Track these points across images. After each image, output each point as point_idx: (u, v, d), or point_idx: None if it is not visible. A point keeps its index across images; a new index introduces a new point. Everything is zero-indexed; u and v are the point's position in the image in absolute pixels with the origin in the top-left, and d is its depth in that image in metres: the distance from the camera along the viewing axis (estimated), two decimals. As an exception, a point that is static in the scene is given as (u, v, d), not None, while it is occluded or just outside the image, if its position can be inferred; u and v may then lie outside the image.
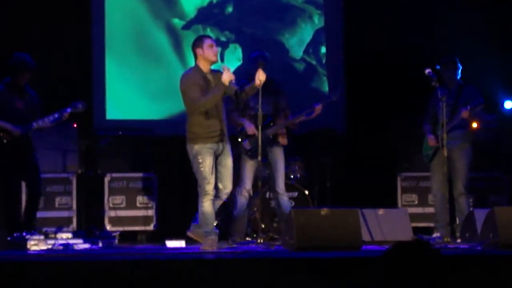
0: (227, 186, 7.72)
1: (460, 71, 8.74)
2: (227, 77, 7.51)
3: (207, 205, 7.60)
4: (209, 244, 7.57)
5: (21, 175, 8.26)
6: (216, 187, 7.66)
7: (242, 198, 8.51)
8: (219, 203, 7.79)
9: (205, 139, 7.59)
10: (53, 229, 8.22)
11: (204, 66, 7.69)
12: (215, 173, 7.67)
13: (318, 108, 8.62)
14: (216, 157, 7.65)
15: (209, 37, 8.01)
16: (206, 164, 7.56)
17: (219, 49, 8.26)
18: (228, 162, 7.71)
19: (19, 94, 8.13)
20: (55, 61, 9.79)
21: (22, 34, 9.87)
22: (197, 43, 7.80)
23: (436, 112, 8.63)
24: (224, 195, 7.77)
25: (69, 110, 8.13)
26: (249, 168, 8.46)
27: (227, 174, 7.71)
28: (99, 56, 10.54)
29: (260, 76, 7.58)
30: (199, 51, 7.74)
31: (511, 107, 10.60)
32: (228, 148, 7.73)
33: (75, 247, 7.56)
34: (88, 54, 10.47)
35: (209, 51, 7.69)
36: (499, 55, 10.37)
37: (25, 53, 8.17)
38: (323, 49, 11.21)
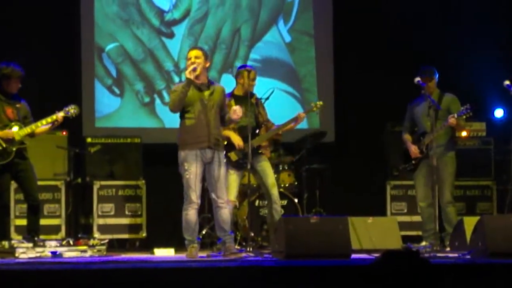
0: (220, 196, 7.59)
1: (436, 80, 8.67)
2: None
3: (191, 214, 7.53)
4: (190, 253, 7.53)
5: (16, 182, 8.26)
6: (211, 198, 7.63)
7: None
8: (224, 212, 7.61)
9: (192, 144, 7.51)
10: (41, 237, 8.16)
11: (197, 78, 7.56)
12: (209, 183, 7.62)
13: (301, 116, 8.57)
14: (206, 165, 7.57)
15: (192, 50, 7.77)
16: (191, 171, 7.48)
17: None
18: (217, 172, 7.57)
19: (9, 103, 8.07)
20: (43, 69, 9.78)
21: (9, 42, 9.84)
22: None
23: (415, 122, 8.63)
24: (222, 205, 7.60)
25: (61, 114, 8.09)
26: (234, 179, 8.25)
27: (219, 185, 7.58)
28: (88, 63, 10.52)
29: (236, 113, 7.58)
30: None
31: (501, 116, 10.62)
32: (219, 157, 7.61)
33: (64, 255, 7.53)
34: (77, 61, 10.45)
35: (187, 66, 7.63)
36: (489, 63, 10.38)
37: (12, 62, 8.11)
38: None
